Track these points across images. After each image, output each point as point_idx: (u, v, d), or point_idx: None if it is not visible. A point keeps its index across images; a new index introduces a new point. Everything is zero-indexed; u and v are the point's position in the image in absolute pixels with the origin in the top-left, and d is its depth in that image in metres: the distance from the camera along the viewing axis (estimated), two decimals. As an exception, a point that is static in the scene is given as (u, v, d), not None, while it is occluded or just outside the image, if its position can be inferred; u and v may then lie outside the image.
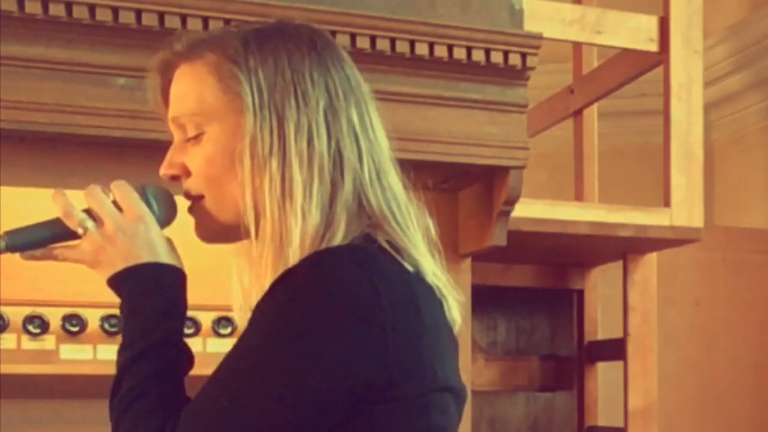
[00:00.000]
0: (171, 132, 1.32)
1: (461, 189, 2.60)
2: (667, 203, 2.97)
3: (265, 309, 1.17)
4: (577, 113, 3.64)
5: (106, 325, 2.24)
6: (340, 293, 1.13)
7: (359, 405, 1.15)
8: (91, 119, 2.03)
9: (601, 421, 3.59)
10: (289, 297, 1.15)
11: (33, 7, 1.96)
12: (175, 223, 1.35)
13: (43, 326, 2.21)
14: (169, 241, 1.32)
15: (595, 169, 3.60)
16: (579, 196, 3.58)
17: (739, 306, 4.21)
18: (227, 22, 2.06)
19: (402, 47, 2.20)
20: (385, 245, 1.20)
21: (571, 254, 3.31)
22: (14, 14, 1.95)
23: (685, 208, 2.96)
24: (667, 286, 3.81)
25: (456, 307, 1.28)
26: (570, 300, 3.61)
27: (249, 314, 1.22)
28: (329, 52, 1.28)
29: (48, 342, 2.23)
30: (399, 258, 1.20)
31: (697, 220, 2.98)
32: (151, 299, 1.26)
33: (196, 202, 1.30)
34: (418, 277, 1.21)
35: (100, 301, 2.23)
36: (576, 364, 3.59)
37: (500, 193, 2.43)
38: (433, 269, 1.24)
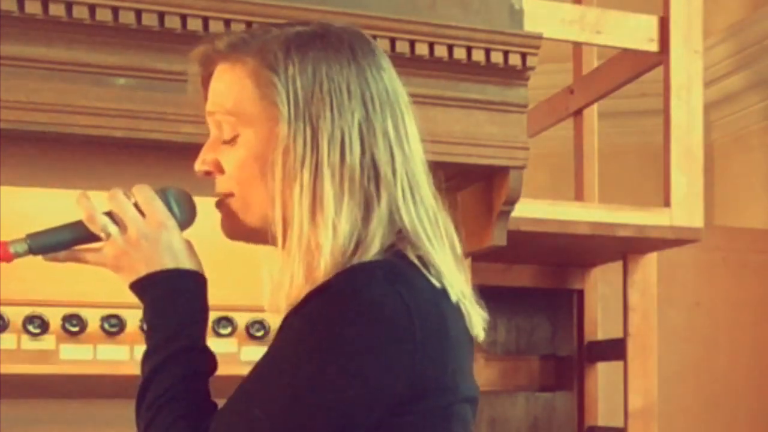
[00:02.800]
0: (209, 126, 1.33)
1: (461, 189, 2.60)
2: (667, 203, 2.97)
3: (298, 321, 1.18)
4: (577, 113, 3.64)
5: (106, 325, 2.24)
6: (372, 309, 1.15)
7: (385, 417, 1.17)
8: (91, 119, 2.02)
9: (601, 421, 3.59)
10: (323, 311, 1.16)
11: (33, 7, 1.96)
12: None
13: (43, 326, 2.21)
14: (189, 245, 1.33)
15: (595, 169, 3.60)
16: (579, 196, 3.58)
17: (739, 306, 4.21)
18: (227, 22, 2.06)
19: (402, 47, 2.19)
20: (415, 260, 1.22)
21: (571, 254, 3.31)
22: (14, 14, 1.95)
23: (685, 208, 2.96)
24: (667, 286, 3.81)
25: (480, 323, 1.29)
26: (570, 300, 3.61)
27: (275, 316, 1.26)
28: (369, 61, 1.28)
29: (48, 342, 2.23)
30: (427, 273, 1.22)
31: (697, 220, 2.98)
32: (175, 305, 1.28)
33: (225, 199, 1.31)
34: (444, 293, 1.23)
35: (100, 301, 2.23)
36: (576, 364, 3.59)
37: (500, 193, 2.43)
38: (460, 286, 1.26)
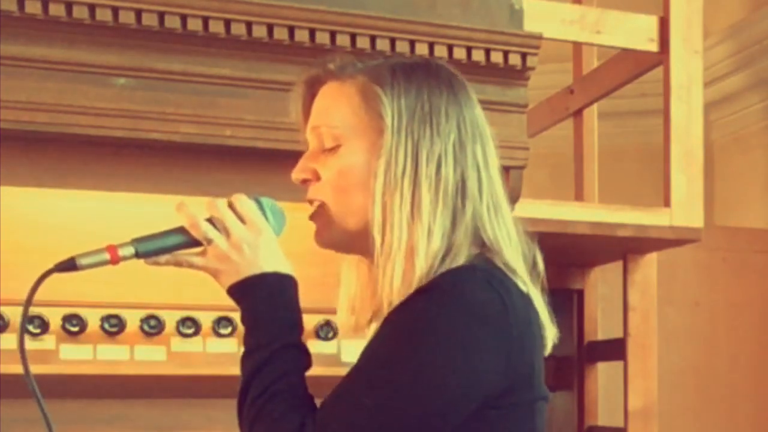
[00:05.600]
0: (307, 140, 1.43)
1: (461, 189, 2.60)
2: (667, 203, 2.97)
3: (403, 317, 1.29)
4: (577, 113, 3.65)
5: (106, 325, 2.23)
6: (475, 308, 1.27)
7: (480, 408, 1.28)
8: (91, 119, 2.03)
9: (601, 421, 3.59)
10: (428, 308, 1.27)
11: (33, 7, 1.96)
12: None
13: (43, 326, 2.20)
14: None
15: (595, 169, 3.60)
16: (579, 196, 3.59)
17: (739, 306, 4.21)
18: (227, 22, 2.06)
19: (402, 47, 2.19)
20: (502, 266, 1.34)
21: (571, 254, 3.31)
22: (14, 14, 1.95)
23: (685, 208, 2.97)
24: (667, 286, 3.81)
25: (551, 336, 1.42)
26: (570, 300, 3.61)
27: (351, 318, 1.44)
28: (463, 93, 1.43)
29: (48, 342, 2.23)
30: (514, 278, 1.34)
31: (697, 220, 2.99)
32: (275, 307, 1.37)
33: (321, 209, 1.40)
34: (529, 298, 1.35)
35: (100, 301, 2.23)
36: (576, 364, 3.59)
37: (500, 193, 2.43)
38: (538, 298, 1.38)
